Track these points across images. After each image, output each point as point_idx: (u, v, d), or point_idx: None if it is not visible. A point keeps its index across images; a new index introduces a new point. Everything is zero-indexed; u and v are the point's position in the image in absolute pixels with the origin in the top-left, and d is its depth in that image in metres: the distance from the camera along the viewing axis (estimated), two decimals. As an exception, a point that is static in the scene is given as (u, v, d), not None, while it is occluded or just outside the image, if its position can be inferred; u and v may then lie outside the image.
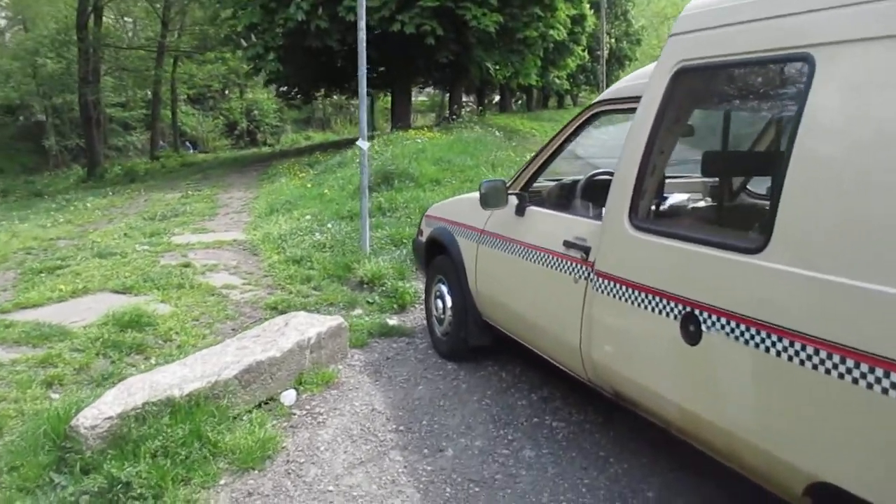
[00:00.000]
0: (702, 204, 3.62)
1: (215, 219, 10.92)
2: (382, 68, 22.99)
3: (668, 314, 2.45)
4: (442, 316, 4.55)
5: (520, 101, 43.02)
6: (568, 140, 3.54)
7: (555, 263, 3.24)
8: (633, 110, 3.09)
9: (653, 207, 2.93)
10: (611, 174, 4.09)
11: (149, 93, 31.86)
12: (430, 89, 39.41)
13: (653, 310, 2.52)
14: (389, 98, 26.14)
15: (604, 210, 2.94)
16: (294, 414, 3.84)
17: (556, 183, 4.03)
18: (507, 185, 3.80)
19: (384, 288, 5.91)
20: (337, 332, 4.54)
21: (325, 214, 8.85)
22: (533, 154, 3.68)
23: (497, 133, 17.66)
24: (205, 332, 5.11)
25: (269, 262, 7.06)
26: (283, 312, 5.47)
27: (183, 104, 35.93)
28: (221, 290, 6.19)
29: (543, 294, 3.38)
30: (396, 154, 11.80)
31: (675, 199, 3.41)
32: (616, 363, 2.81)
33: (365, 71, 6.48)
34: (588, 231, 3.09)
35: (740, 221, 3.23)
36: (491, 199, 3.66)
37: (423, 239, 4.87)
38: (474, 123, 18.96)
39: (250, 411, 3.76)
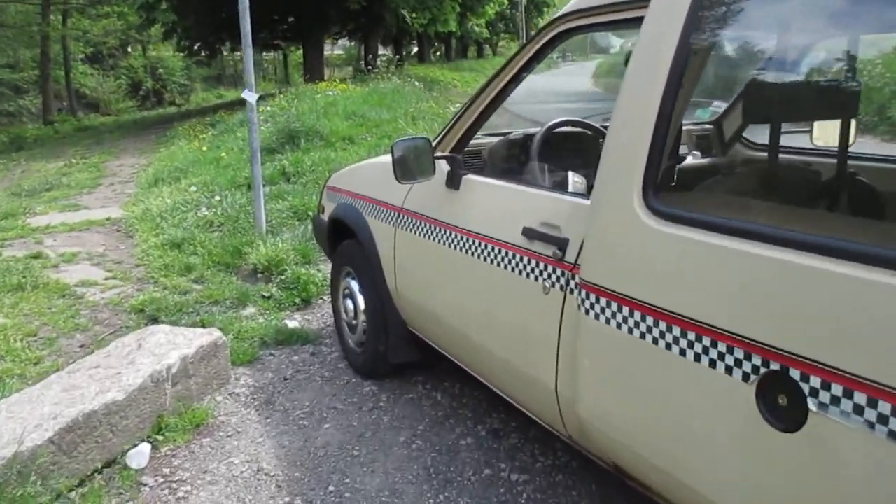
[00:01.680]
0: (760, 174, 2.50)
1: (95, 192, 9.40)
2: (292, 19, 21.28)
3: (730, 369, 1.39)
4: (354, 321, 3.41)
5: (438, 52, 41.51)
6: (519, 74, 2.41)
7: (510, 262, 2.16)
8: (619, 24, 2.02)
9: (683, 178, 1.86)
10: (582, 124, 3.06)
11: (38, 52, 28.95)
12: (345, 41, 37.48)
13: (698, 358, 1.46)
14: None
15: (592, 182, 1.86)
16: (144, 485, 2.67)
17: (500, 139, 2.90)
18: (434, 144, 2.67)
19: (283, 277, 4.70)
20: (212, 351, 3.35)
21: (218, 183, 7.50)
22: (468, 99, 2.56)
23: (416, 83, 16.34)
24: (41, 353, 3.82)
25: (144, 248, 5.74)
26: (152, 318, 4.24)
27: (80, 63, 32.98)
28: (76, 288, 4.87)
29: (494, 306, 2.29)
30: (304, 110, 10.43)
31: (710, 163, 2.34)
32: (622, 432, 1.75)
33: (247, 5, 5.16)
34: (563, 214, 2.01)
35: (860, 204, 2.11)
36: (409, 167, 2.51)
37: (325, 218, 3.69)
38: (392, 74, 17.57)
39: (77, 486, 2.59)
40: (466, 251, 2.38)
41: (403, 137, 2.57)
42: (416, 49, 37.96)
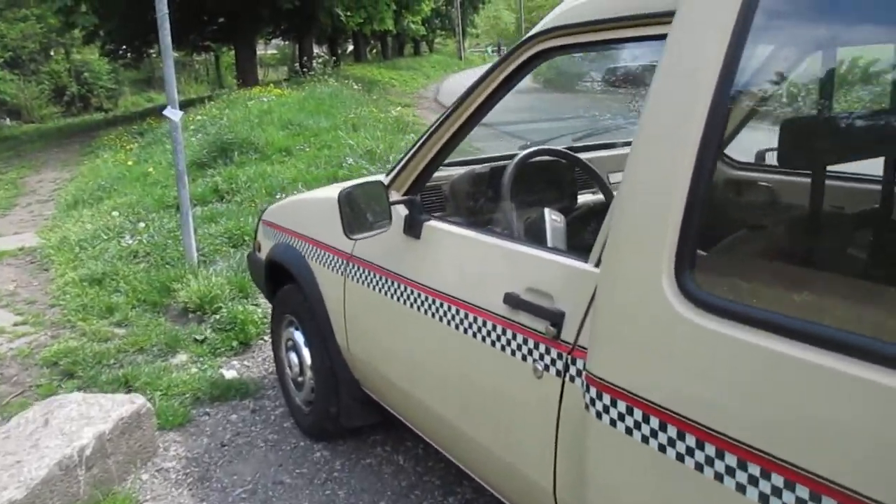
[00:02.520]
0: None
1: (10, 214, 8.69)
2: (222, 19, 20.50)
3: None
4: (300, 378, 2.98)
5: (375, 50, 40.92)
6: (488, 102, 2.02)
7: (490, 334, 1.77)
8: (613, 43, 1.68)
9: (720, 242, 1.50)
10: (554, 153, 2.69)
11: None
12: (278, 41, 36.55)
13: (743, 489, 1.10)
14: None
15: (601, 248, 1.49)
16: None
17: (463, 172, 2.50)
18: (387, 183, 2.27)
19: (218, 317, 4.21)
20: (134, 422, 2.88)
21: (144, 204, 6.90)
22: (426, 130, 2.15)
23: (355, 86, 15.82)
24: (-68, 425, 3.28)
25: (60, 283, 5.16)
26: (67, 373, 3.73)
27: (-1, 69, 31.33)
28: (-21, 338, 4.30)
29: (471, 385, 1.90)
30: (237, 119, 9.83)
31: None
32: None
33: (166, 12, 4.65)
34: (556, 280, 1.63)
35: None
36: (360, 217, 2.09)
37: (262, 256, 3.24)
38: (328, 76, 17.00)
39: None
40: (433, 314, 1.99)
41: (348, 185, 2.13)
42: (351, 48, 37.30)
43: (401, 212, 2.18)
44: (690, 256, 1.24)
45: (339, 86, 14.59)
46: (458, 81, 26.48)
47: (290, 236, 2.94)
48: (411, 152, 2.22)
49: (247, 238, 5.36)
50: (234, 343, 3.98)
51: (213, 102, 12.46)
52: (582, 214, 2.50)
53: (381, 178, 2.38)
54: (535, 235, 2.12)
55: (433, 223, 2.11)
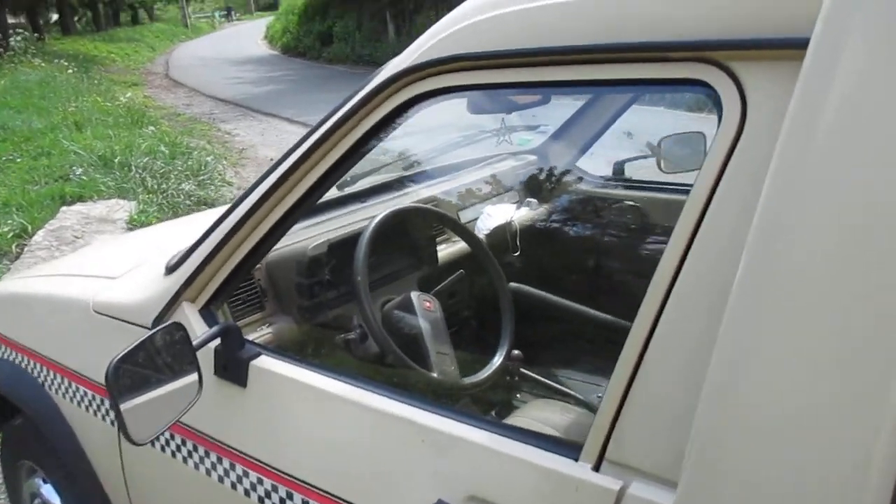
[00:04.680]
0: None
1: None
2: None
3: None
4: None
5: (84, 19, 36.31)
6: (336, 171, 1.28)
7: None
8: (570, 86, 1.12)
9: None
10: (429, 212, 1.93)
11: None
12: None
13: None
14: None
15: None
16: None
17: (288, 254, 1.71)
18: (177, 287, 1.45)
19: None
20: None
21: None
22: (244, 195, 1.33)
23: (68, 66, 13.55)
24: None
25: None
26: None
27: None
28: None
29: None
30: None
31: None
32: None
33: None
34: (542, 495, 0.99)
35: None
36: (150, 406, 1.24)
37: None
38: (33, 55, 14.45)
39: None
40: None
41: (118, 355, 1.24)
42: (56, 17, 32.67)
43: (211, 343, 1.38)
44: None
45: (49, 68, 12.39)
46: (191, 52, 24.33)
47: (17, 351, 1.96)
48: (211, 244, 1.40)
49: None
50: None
51: None
52: (455, 283, 1.86)
53: (160, 275, 1.53)
54: (408, 345, 1.47)
55: (267, 360, 1.34)
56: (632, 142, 2.54)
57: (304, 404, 1.27)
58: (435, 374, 1.51)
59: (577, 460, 0.94)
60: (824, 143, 0.69)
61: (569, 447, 0.97)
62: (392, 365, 1.51)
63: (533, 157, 2.50)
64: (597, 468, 0.92)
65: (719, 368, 0.76)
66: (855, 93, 0.68)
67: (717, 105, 0.87)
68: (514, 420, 1.61)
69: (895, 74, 0.65)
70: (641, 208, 2.31)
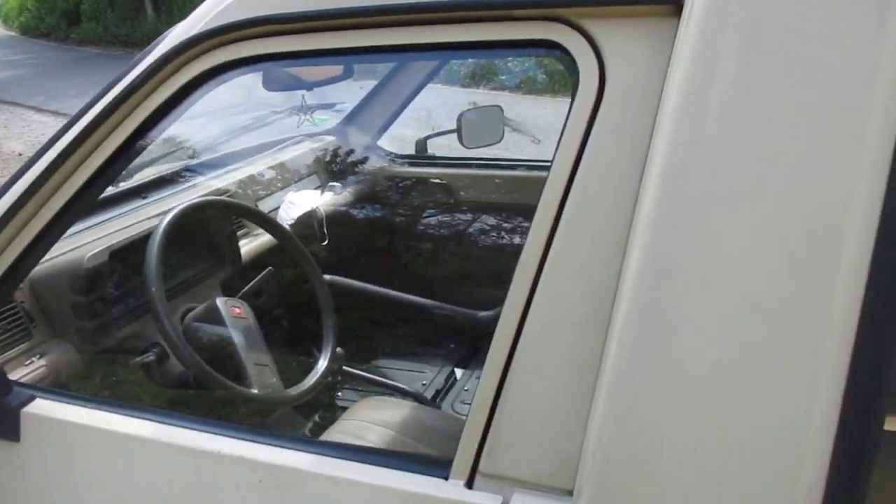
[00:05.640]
0: None
1: None
2: None
3: None
4: None
5: None
6: (112, 166, 1.04)
7: None
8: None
9: None
10: (229, 205, 1.66)
11: None
12: None
13: None
14: None
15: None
16: None
17: (59, 265, 1.40)
18: None
19: None
20: None
21: None
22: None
23: None
24: None
25: None
26: None
27: None
28: None
29: None
30: None
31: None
32: None
33: None
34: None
35: None
36: None
37: None
38: None
39: None
40: None
41: None
42: None
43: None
44: None
45: None
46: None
47: None
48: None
49: None
50: None
51: None
52: (264, 282, 1.66)
53: None
54: (219, 361, 1.28)
55: (45, 404, 1.07)
56: (434, 117, 2.47)
57: (98, 454, 1.03)
58: (256, 391, 1.32)
59: (447, 479, 0.83)
60: (716, 116, 0.62)
61: (436, 465, 0.85)
62: (204, 387, 1.31)
63: (332, 138, 2.34)
64: (470, 485, 0.82)
65: (614, 366, 0.67)
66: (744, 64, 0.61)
67: (571, 70, 0.78)
68: (343, 425, 1.48)
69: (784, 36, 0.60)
70: (449, 185, 2.25)
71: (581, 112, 0.75)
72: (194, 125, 1.96)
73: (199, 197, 1.70)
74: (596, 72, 0.75)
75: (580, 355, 0.73)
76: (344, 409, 1.62)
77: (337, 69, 1.65)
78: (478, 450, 0.81)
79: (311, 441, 1.00)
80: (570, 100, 0.77)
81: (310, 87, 1.71)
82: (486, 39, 0.82)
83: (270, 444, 0.91)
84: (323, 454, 0.89)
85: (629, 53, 0.73)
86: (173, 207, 1.43)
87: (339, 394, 1.91)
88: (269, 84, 1.49)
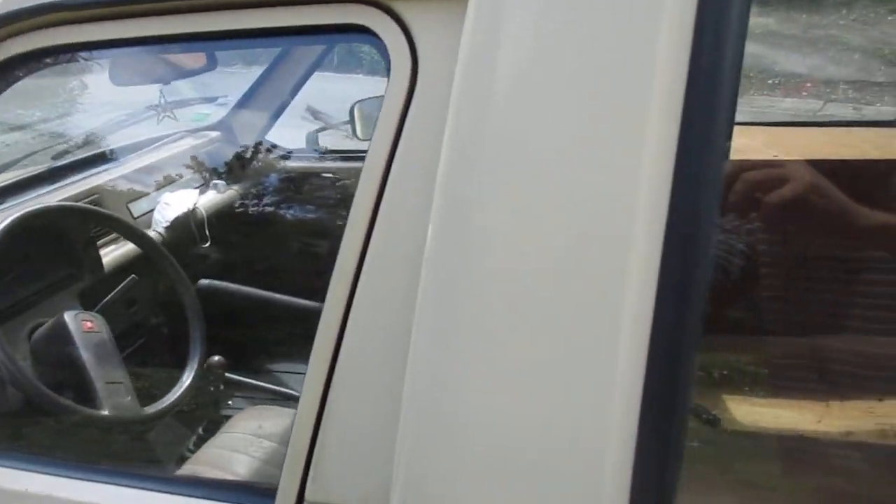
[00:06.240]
0: None
1: None
2: None
3: None
4: None
5: None
6: None
7: None
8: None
9: None
10: (78, 211, 1.52)
11: None
12: None
13: None
14: None
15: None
16: None
17: None
18: None
19: None
20: None
21: None
22: None
23: None
24: None
25: None
26: None
27: None
28: None
29: None
30: None
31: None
32: None
33: None
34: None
35: None
36: None
37: None
38: None
39: None
40: None
41: None
42: None
43: None
44: None
45: None
46: None
47: None
48: None
49: None
50: None
51: None
52: (128, 292, 1.54)
53: None
54: (68, 381, 1.18)
55: None
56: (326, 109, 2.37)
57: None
58: (106, 412, 1.22)
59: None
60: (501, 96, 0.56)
61: (259, 494, 0.78)
62: (49, 413, 1.20)
63: (215, 134, 2.22)
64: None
65: (415, 369, 0.61)
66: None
67: (384, 55, 0.71)
68: (221, 439, 1.39)
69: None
70: (342, 180, 2.17)
71: (395, 101, 0.69)
72: (59, 124, 1.82)
73: (46, 203, 1.56)
74: (408, 57, 0.68)
75: (404, 366, 0.66)
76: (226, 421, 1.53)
77: (199, 59, 1.55)
78: (303, 475, 0.73)
79: (116, 472, 0.89)
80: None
81: (167, 79, 1.60)
82: (292, 25, 0.74)
83: (72, 478, 0.81)
84: (129, 485, 0.79)
85: (441, 37, 0.67)
86: (10, 216, 1.31)
87: (230, 402, 1.82)
88: (117, 77, 1.37)
